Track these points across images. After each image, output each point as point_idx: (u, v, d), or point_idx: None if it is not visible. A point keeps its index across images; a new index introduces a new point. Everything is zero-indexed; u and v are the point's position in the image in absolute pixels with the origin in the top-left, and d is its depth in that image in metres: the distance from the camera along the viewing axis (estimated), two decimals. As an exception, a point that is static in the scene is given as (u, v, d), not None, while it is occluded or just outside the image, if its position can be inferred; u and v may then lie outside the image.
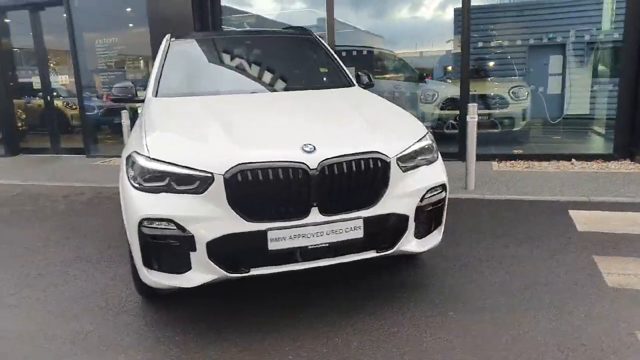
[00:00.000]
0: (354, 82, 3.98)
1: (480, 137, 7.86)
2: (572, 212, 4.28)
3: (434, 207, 2.86)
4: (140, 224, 2.44)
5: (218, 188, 2.38)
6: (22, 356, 2.50)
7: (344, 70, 4.05)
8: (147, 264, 2.53)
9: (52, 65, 9.14)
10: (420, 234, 2.85)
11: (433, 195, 2.83)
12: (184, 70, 3.89)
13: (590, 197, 4.69)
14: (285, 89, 3.66)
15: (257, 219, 2.42)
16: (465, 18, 6.41)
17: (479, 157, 6.50)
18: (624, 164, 5.95)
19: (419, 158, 2.82)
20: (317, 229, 2.48)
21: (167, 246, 2.46)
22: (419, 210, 2.75)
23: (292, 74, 4.05)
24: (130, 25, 8.82)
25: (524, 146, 7.45)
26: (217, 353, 2.45)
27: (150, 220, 2.43)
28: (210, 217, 2.40)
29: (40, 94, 9.08)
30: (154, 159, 2.50)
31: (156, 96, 3.59)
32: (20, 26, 9.01)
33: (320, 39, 4.34)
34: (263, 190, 2.41)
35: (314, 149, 2.49)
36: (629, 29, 5.94)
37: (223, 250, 2.44)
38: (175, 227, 2.41)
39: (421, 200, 2.76)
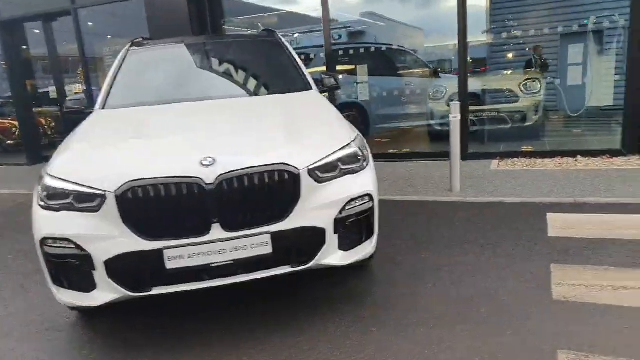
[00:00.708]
0: (311, 86, 3.82)
1: (488, 134, 7.57)
2: (550, 215, 3.99)
3: (358, 218, 2.71)
4: (42, 242, 2.43)
5: (111, 206, 2.33)
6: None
7: (303, 74, 3.91)
8: (56, 282, 2.52)
9: (78, 73, 9.37)
10: (346, 246, 2.71)
11: (356, 206, 2.68)
12: (136, 80, 3.86)
13: (576, 197, 4.36)
14: (231, 96, 3.55)
15: (153, 237, 2.35)
16: (460, 8, 6.09)
17: (480, 156, 6.24)
18: (631, 160, 5.50)
19: (341, 167, 2.67)
20: (219, 246, 2.39)
21: (70, 265, 2.45)
22: (338, 222, 2.61)
23: (244, 79, 3.96)
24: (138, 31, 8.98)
25: (537, 142, 7.03)
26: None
27: (51, 239, 2.41)
28: (106, 236, 2.36)
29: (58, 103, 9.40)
30: (55, 177, 2.48)
31: (103, 108, 3.58)
32: (35, 34, 9.37)
33: (284, 41, 4.20)
34: (157, 208, 2.34)
35: (214, 162, 2.39)
36: (636, 14, 5.47)
37: (122, 269, 2.39)
38: (73, 246, 2.39)
39: (340, 212, 2.61)
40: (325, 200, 2.57)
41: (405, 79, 9.22)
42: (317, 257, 2.59)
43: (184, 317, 2.88)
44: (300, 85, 3.81)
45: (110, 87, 3.78)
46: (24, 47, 9.67)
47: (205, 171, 2.36)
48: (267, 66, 4.12)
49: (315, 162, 2.56)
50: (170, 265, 2.37)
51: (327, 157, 2.61)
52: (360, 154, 2.80)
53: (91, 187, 2.37)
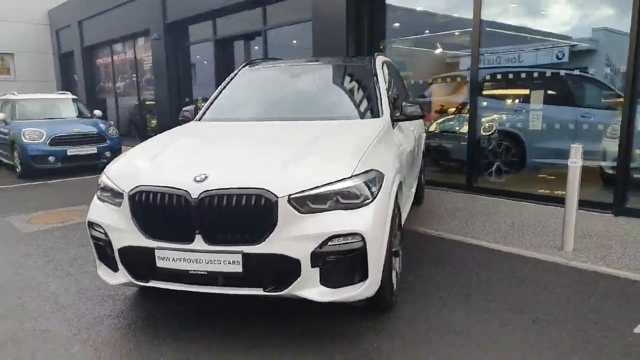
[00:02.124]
0: (382, 113, 3.74)
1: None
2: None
3: (343, 257, 2.61)
4: (89, 225, 3.01)
5: (126, 204, 2.76)
6: None
7: (378, 101, 3.83)
8: (99, 259, 3.07)
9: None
10: (330, 283, 2.64)
11: (340, 243, 2.59)
12: (234, 97, 4.34)
13: None
14: (293, 119, 3.73)
15: (150, 236, 2.70)
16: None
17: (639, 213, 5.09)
18: None
19: (334, 200, 2.62)
20: (196, 255, 2.61)
21: (101, 247, 2.96)
22: (317, 256, 2.56)
23: (318, 103, 4.05)
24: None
25: None
26: None
27: (91, 223, 2.97)
28: (121, 229, 2.79)
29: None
30: (105, 175, 3.04)
31: (199, 120, 4.15)
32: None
33: (375, 66, 4.17)
34: (155, 212, 2.68)
35: (205, 178, 2.62)
36: None
37: (129, 258, 2.80)
38: (102, 232, 2.89)
39: (320, 246, 2.56)
40: (304, 232, 2.55)
41: (583, 110, 7.93)
42: (291, 287, 2.59)
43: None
44: (368, 112, 3.76)
45: (212, 102, 4.34)
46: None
47: (194, 186, 2.60)
48: (345, 91, 4.17)
49: (298, 192, 2.56)
50: (159, 263, 2.68)
51: (313, 188, 2.58)
52: (360, 191, 2.67)
53: (118, 186, 2.85)
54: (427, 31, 8.02)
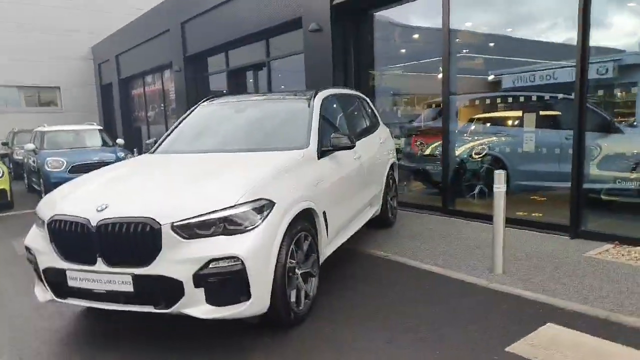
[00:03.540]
0: (309, 145, 4.03)
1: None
2: (545, 327, 3.17)
3: (224, 278, 2.91)
4: (26, 249, 3.46)
5: (45, 231, 3.19)
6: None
7: (308, 134, 4.13)
8: (37, 278, 3.50)
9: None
10: (215, 302, 2.96)
11: (219, 266, 2.90)
12: (186, 131, 4.77)
13: (613, 310, 3.28)
14: (230, 151, 4.09)
15: (64, 259, 3.12)
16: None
17: (595, 236, 5.07)
18: None
19: (218, 226, 2.94)
20: (97, 276, 3.01)
21: (35, 268, 3.39)
22: (200, 278, 2.89)
23: (251, 136, 4.41)
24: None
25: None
26: None
27: (27, 247, 3.43)
28: (44, 251, 3.24)
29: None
30: (40, 204, 3.50)
31: (153, 152, 4.59)
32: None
33: (313, 103, 4.45)
34: (65, 237, 3.11)
35: (104, 208, 3.01)
36: None
37: (50, 278, 3.23)
38: (33, 255, 3.33)
39: (201, 268, 2.87)
40: (186, 256, 2.89)
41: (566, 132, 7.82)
42: (177, 304, 2.93)
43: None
44: (295, 144, 4.05)
45: (168, 136, 4.78)
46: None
47: (94, 215, 3.00)
48: (278, 125, 4.50)
49: (181, 220, 2.91)
50: (70, 283, 3.09)
51: (195, 216, 2.93)
52: (244, 218, 2.98)
53: (41, 215, 3.29)
54: (413, 60, 8.23)
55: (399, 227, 6.13)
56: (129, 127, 18.13)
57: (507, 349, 2.96)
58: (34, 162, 10.57)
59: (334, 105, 5.03)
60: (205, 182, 3.30)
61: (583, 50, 5.04)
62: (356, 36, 7.98)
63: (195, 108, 5.05)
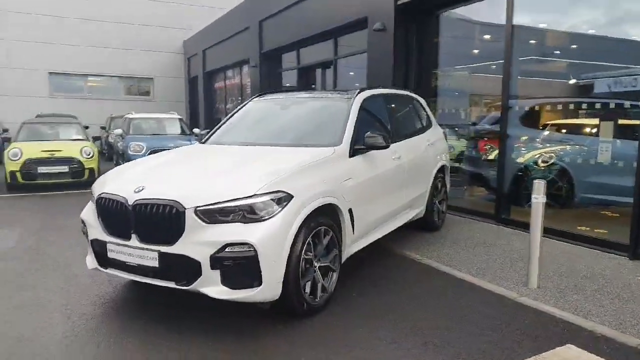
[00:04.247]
0: (341, 143, 4.14)
1: None
2: (564, 348, 3.04)
3: (238, 263, 3.13)
4: (81, 221, 3.90)
5: (94, 206, 3.60)
6: None
7: (344, 132, 4.24)
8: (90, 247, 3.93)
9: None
10: (230, 284, 3.18)
11: (234, 251, 3.11)
12: (236, 123, 5.07)
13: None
14: (270, 145, 4.30)
15: (107, 232, 3.49)
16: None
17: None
18: None
19: (237, 214, 3.16)
20: (130, 250, 3.35)
21: (86, 238, 3.82)
22: (216, 260, 3.12)
23: (291, 131, 4.59)
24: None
25: None
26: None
27: (82, 219, 3.86)
28: (93, 225, 3.65)
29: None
30: (97, 180, 3.94)
31: (204, 142, 4.94)
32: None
33: (353, 103, 4.53)
34: (108, 213, 3.48)
35: (141, 189, 3.35)
36: None
37: (96, 248, 3.63)
38: (84, 226, 3.77)
39: (217, 252, 3.11)
40: (206, 239, 3.14)
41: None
42: (195, 283, 3.19)
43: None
44: (328, 141, 4.16)
45: (219, 127, 5.11)
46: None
47: (131, 195, 3.34)
48: (317, 122, 4.63)
49: (203, 205, 3.16)
50: (109, 255, 3.47)
51: (217, 202, 3.16)
52: (261, 208, 3.18)
53: (93, 192, 3.71)
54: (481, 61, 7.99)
55: (445, 232, 6.04)
56: (210, 118, 19.16)
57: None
58: (120, 145, 11.58)
59: (379, 105, 5.08)
60: (233, 172, 3.55)
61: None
62: (419, 36, 7.91)
63: (247, 103, 5.34)
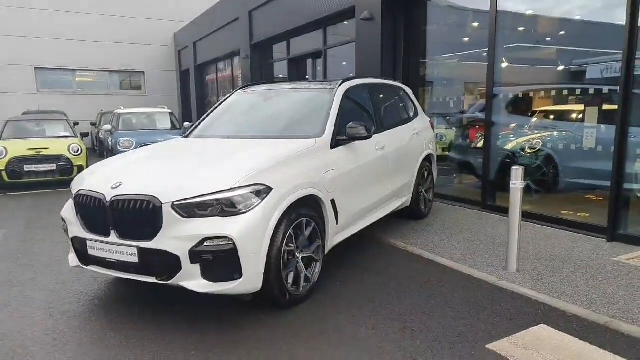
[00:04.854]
0: (323, 134, 4.15)
1: None
2: (537, 328, 3.09)
3: (218, 256, 3.15)
4: (62, 219, 3.90)
5: (73, 203, 3.60)
6: None
7: (324, 123, 4.25)
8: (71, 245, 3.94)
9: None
10: (211, 277, 3.21)
11: (213, 244, 3.13)
12: (219, 116, 5.06)
13: (616, 317, 3.12)
14: (254, 137, 4.32)
15: (86, 229, 3.50)
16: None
17: (634, 240, 4.74)
18: None
19: (215, 207, 3.18)
20: (109, 247, 3.37)
21: (67, 236, 3.83)
22: (195, 254, 3.14)
23: (272, 123, 4.60)
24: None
25: None
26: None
27: (62, 217, 3.86)
28: (72, 222, 3.65)
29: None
30: (75, 177, 3.94)
31: (187, 136, 4.93)
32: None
33: (335, 94, 4.53)
34: (86, 210, 3.49)
35: (118, 185, 3.35)
36: None
37: (76, 246, 3.64)
38: (64, 224, 3.77)
39: (196, 246, 3.12)
40: (184, 233, 3.16)
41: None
42: (176, 277, 3.21)
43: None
44: (310, 133, 4.18)
45: (202, 121, 5.11)
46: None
47: (109, 191, 3.35)
48: (299, 113, 4.64)
49: (180, 200, 3.17)
50: (90, 252, 3.49)
51: (194, 197, 3.18)
52: (239, 201, 3.20)
53: (72, 189, 3.71)
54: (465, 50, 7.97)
55: (431, 220, 6.08)
56: (203, 111, 19.09)
57: (487, 346, 2.95)
58: (110, 141, 11.55)
59: (363, 95, 5.09)
60: (211, 166, 3.56)
61: (631, 36, 4.69)
62: (406, 24, 7.89)
63: (230, 95, 5.34)
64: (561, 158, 6.72)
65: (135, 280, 3.40)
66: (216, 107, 5.25)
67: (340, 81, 4.79)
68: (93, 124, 17.68)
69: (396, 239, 5.23)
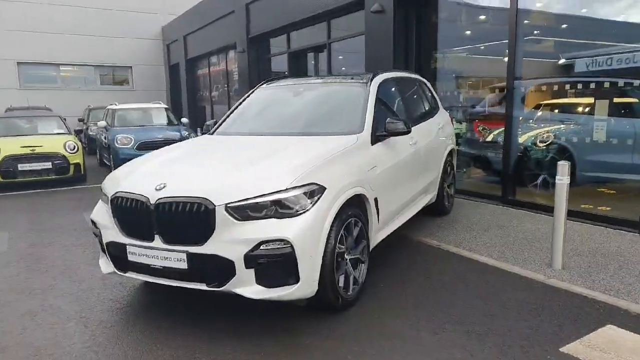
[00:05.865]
0: (363, 130, 3.99)
1: None
2: (605, 329, 2.99)
3: (274, 260, 2.96)
4: (91, 222, 3.67)
5: (109, 206, 3.37)
6: None
7: (363, 119, 4.08)
8: (101, 250, 3.71)
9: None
10: (265, 283, 3.02)
11: (269, 248, 2.95)
12: (245, 112, 4.86)
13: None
14: (283, 134, 4.12)
15: (125, 234, 3.28)
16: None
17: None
18: None
19: (270, 209, 2.99)
20: (154, 252, 3.15)
21: (99, 241, 3.60)
22: (250, 259, 2.95)
23: (307, 119, 4.40)
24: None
25: None
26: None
27: (92, 221, 3.64)
28: (107, 226, 3.42)
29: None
30: (106, 178, 3.70)
31: (212, 133, 4.72)
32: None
33: (370, 88, 4.37)
34: (126, 213, 3.26)
35: (163, 187, 3.14)
36: None
37: (112, 251, 3.41)
38: (97, 228, 3.54)
39: (252, 250, 2.94)
40: (239, 237, 2.97)
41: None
42: (228, 284, 3.02)
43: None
44: (348, 129, 4.01)
45: (227, 117, 4.89)
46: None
47: (153, 194, 3.13)
48: (334, 109, 4.47)
49: (234, 202, 2.98)
50: (130, 257, 3.26)
51: (248, 198, 2.98)
52: (294, 202, 3.02)
53: (106, 191, 3.48)
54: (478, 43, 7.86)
55: (455, 216, 5.98)
56: (194, 107, 18.75)
57: (561, 349, 2.84)
58: (105, 138, 11.19)
59: (392, 89, 4.94)
60: (259, 165, 3.36)
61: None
62: (419, 17, 7.76)
63: (254, 90, 5.12)
64: (577, 151, 6.69)
65: (165, 285, 3.22)
66: (240, 103, 5.04)
67: (371, 75, 4.63)
68: (81, 120, 17.18)
69: (427, 237, 5.10)
